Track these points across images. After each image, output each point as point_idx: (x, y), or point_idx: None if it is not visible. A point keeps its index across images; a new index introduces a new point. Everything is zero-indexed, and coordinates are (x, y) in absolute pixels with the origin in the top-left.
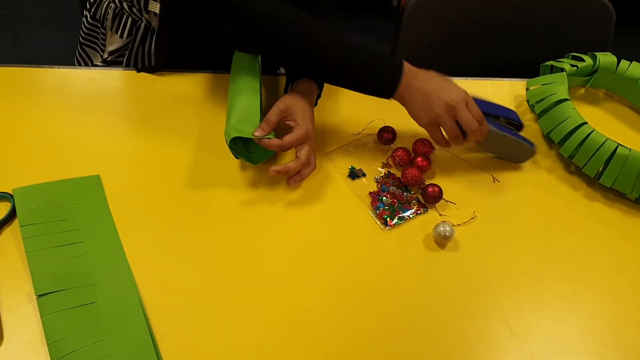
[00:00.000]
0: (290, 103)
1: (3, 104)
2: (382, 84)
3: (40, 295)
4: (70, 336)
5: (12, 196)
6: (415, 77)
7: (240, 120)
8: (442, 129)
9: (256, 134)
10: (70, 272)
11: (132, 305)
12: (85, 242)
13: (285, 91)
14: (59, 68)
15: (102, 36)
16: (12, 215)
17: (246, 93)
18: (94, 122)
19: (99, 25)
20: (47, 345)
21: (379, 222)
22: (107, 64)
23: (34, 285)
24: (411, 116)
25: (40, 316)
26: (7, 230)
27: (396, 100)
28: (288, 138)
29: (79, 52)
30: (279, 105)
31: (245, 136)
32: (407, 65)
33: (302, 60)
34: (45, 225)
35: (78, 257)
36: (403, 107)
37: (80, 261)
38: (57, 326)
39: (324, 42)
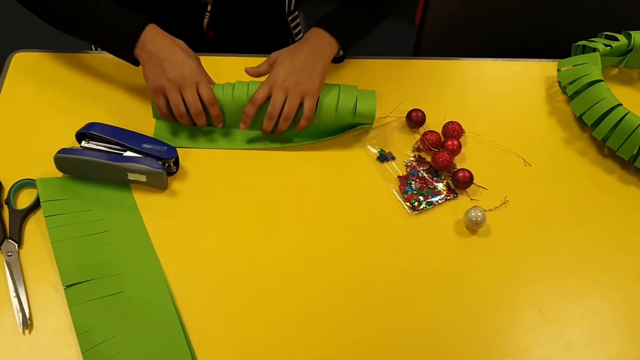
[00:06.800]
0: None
1: (27, 90)
2: (118, 44)
3: (67, 286)
4: (100, 326)
5: None
6: (153, 43)
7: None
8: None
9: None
10: (97, 262)
11: (160, 293)
12: (111, 231)
13: None
14: (91, 53)
15: None
16: (38, 203)
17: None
18: (119, 109)
19: None
20: (77, 336)
21: (406, 207)
22: None
23: (61, 276)
24: (144, 77)
25: (69, 307)
26: (33, 219)
27: (138, 59)
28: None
29: None
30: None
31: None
32: (150, 31)
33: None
34: (70, 215)
35: (104, 246)
36: (431, 90)
37: (106, 251)
38: (86, 317)
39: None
